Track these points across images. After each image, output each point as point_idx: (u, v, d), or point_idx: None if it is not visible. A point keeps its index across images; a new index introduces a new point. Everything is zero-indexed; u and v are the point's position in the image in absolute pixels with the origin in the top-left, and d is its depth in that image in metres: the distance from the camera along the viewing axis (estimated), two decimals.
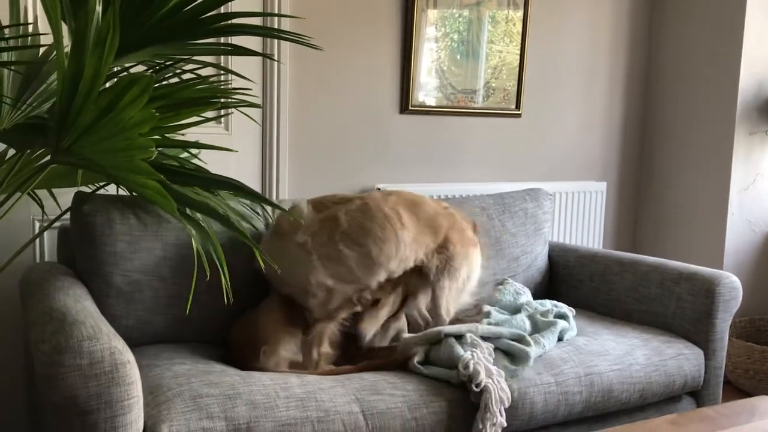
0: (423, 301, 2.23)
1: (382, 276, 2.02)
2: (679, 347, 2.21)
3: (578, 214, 3.33)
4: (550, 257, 2.73)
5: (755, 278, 3.35)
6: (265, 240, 2.08)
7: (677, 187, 3.46)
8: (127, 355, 1.42)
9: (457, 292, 2.19)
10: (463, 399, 1.80)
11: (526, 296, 2.39)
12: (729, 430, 1.52)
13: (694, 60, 3.35)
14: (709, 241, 3.31)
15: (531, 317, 2.18)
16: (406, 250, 2.04)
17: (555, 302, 2.34)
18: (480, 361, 1.82)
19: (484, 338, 1.97)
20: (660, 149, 3.54)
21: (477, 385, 1.76)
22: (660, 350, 2.17)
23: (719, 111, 3.25)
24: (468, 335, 1.94)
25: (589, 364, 2.00)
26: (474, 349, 1.88)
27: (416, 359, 1.89)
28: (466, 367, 1.80)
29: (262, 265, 1.86)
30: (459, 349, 1.87)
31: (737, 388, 3.12)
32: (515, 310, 2.30)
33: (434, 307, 2.18)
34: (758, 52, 3.18)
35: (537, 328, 2.13)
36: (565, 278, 2.67)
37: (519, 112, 3.21)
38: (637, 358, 2.10)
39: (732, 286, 2.27)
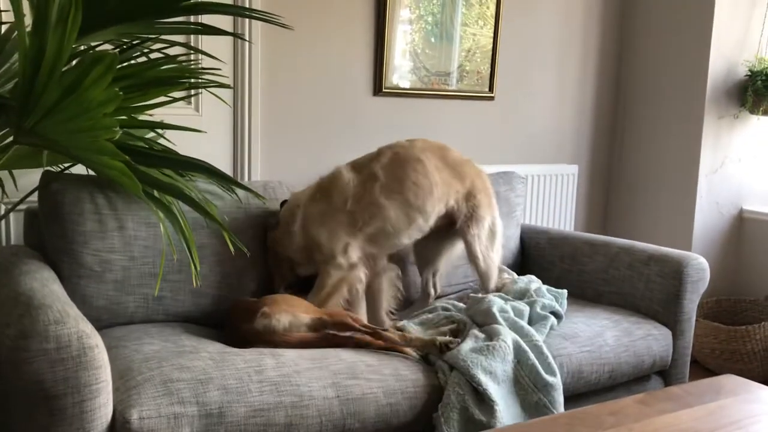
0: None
1: (420, 221, 2.10)
2: (648, 328, 2.24)
3: (550, 197, 3.35)
4: (522, 239, 2.74)
5: (722, 260, 3.41)
6: (307, 197, 2.11)
7: (647, 170, 3.49)
8: (95, 339, 1.40)
9: (488, 241, 2.23)
10: (439, 388, 1.79)
11: (536, 283, 2.34)
12: (696, 408, 1.54)
13: (666, 45, 3.37)
14: (677, 224, 3.36)
15: (532, 306, 2.14)
16: (438, 190, 2.13)
17: (558, 292, 2.29)
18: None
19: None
20: (631, 133, 3.57)
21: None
22: (629, 331, 2.19)
23: (689, 95, 3.28)
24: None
25: (558, 347, 2.02)
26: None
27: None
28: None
29: (232, 249, 1.84)
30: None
31: (704, 368, 3.18)
32: (522, 294, 2.26)
33: (470, 255, 2.21)
34: (728, 37, 3.21)
35: (531, 320, 2.10)
36: (537, 260, 2.68)
37: (492, 95, 3.21)
38: (607, 339, 2.12)
39: (700, 267, 2.31)
